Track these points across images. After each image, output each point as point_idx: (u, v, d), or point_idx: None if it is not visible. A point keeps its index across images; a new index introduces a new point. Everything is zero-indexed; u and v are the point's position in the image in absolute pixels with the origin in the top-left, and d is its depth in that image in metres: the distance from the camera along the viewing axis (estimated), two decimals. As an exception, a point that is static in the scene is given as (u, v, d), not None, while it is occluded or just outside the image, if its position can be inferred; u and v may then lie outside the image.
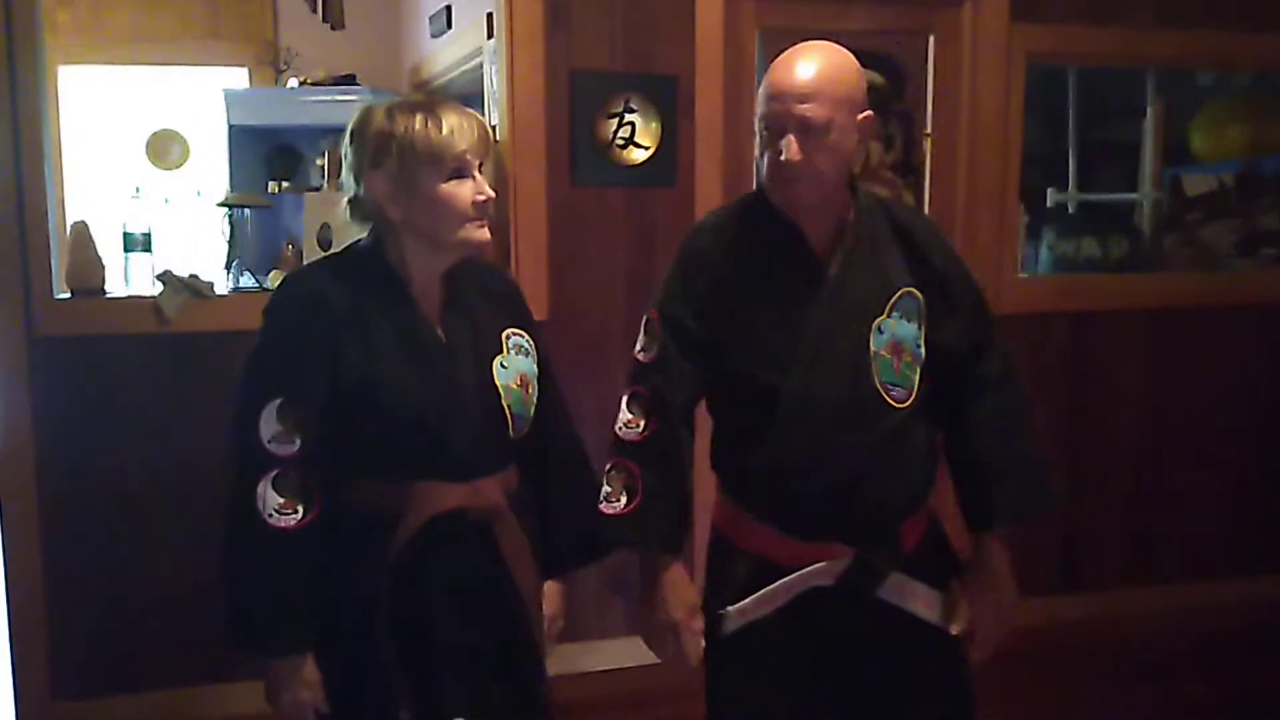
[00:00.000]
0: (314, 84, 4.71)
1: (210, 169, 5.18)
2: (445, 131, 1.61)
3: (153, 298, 3.03)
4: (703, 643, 1.85)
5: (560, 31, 3.23)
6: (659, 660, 1.89)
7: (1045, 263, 4.14)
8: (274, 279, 3.57)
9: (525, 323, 1.83)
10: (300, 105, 4.62)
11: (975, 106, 3.59)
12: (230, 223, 3.84)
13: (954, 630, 1.84)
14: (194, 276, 3.10)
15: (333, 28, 4.50)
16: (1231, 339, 3.93)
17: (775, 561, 1.81)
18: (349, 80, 4.71)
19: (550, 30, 3.22)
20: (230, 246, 3.83)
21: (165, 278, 3.07)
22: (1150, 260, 4.23)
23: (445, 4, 4.22)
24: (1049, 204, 4.46)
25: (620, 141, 3.29)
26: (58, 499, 2.99)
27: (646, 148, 3.31)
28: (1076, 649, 3.55)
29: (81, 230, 3.12)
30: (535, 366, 1.80)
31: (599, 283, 3.34)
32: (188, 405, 3.03)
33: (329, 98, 4.53)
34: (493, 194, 1.68)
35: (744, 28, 3.43)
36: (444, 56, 4.32)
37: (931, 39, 3.59)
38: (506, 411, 1.72)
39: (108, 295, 3.12)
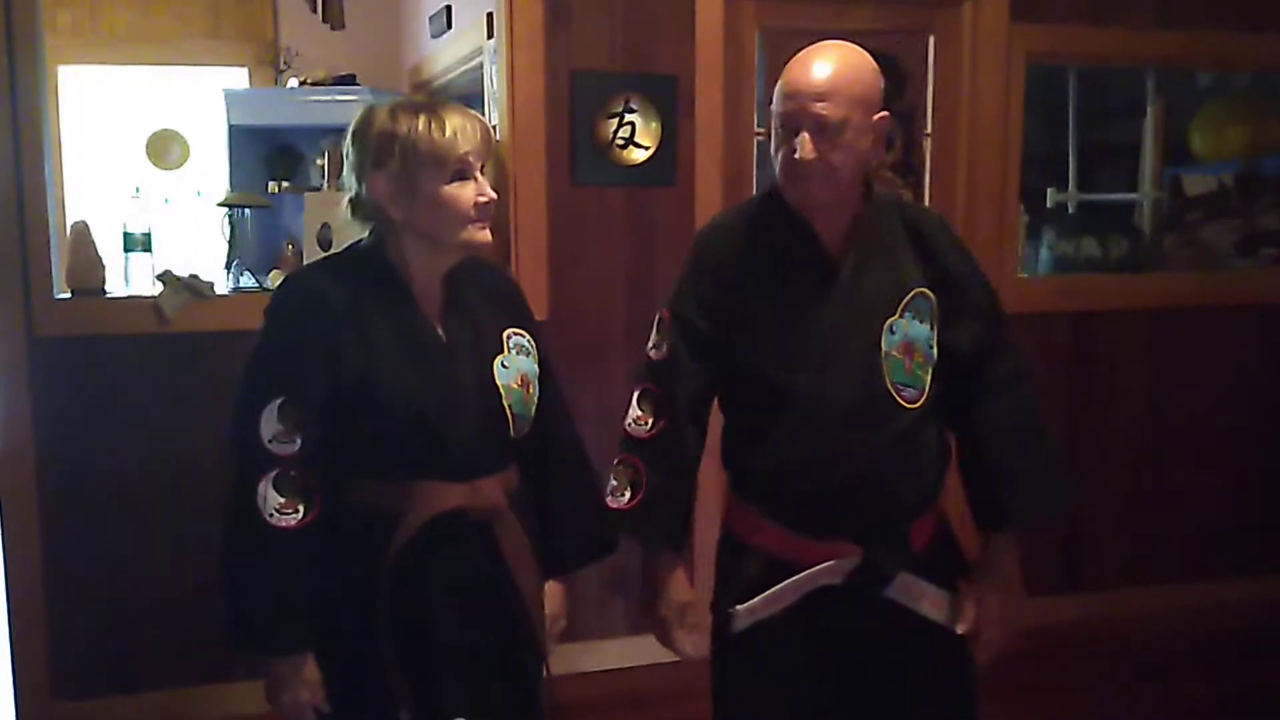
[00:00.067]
0: (314, 84, 4.72)
1: (210, 169, 5.19)
2: (448, 133, 1.61)
3: (153, 298, 3.03)
4: (695, 638, 1.88)
5: (560, 31, 3.23)
6: (664, 655, 1.91)
7: (1045, 263, 4.14)
8: (274, 279, 3.57)
9: (526, 322, 1.83)
10: (300, 105, 4.62)
11: (975, 106, 3.59)
12: (230, 223, 3.84)
13: (960, 629, 1.84)
14: (194, 276, 3.10)
15: (333, 28, 4.50)
16: (1231, 339, 3.93)
17: (784, 559, 1.81)
18: (349, 80, 4.72)
19: (550, 30, 3.22)
20: (230, 246, 3.83)
21: (165, 278, 3.07)
22: (1150, 260, 4.23)
23: (445, 4, 4.23)
24: (1049, 204, 4.46)
25: (620, 141, 3.29)
26: (58, 499, 2.99)
27: (646, 148, 3.31)
28: (1076, 649, 3.55)
29: (82, 230, 3.12)
30: (536, 366, 1.79)
31: (599, 283, 3.34)
32: (188, 405, 3.03)
33: (329, 98, 4.53)
34: (494, 196, 1.68)
35: (744, 28, 3.43)
36: (444, 56, 4.32)
37: (931, 39, 3.59)
38: (507, 411, 1.72)
39: (108, 295, 3.12)
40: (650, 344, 1.90)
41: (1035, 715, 3.11)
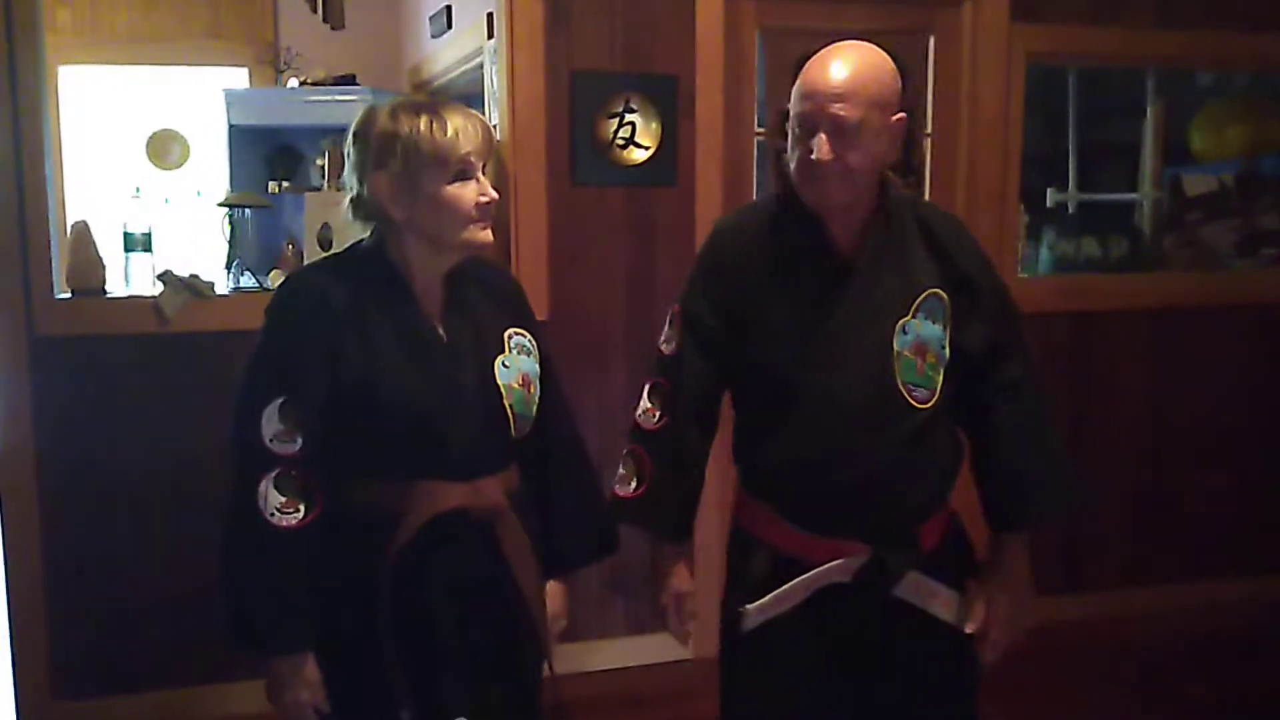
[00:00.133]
0: (314, 84, 4.72)
1: (210, 169, 5.19)
2: (450, 133, 1.61)
3: (153, 298, 3.03)
4: (692, 625, 1.93)
5: (560, 32, 3.23)
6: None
7: (1045, 263, 4.13)
8: (274, 279, 3.57)
9: (527, 322, 1.83)
10: (300, 105, 4.62)
11: (975, 106, 3.59)
12: (230, 223, 3.84)
13: (968, 629, 1.85)
14: (194, 276, 3.10)
15: (333, 28, 4.50)
16: (1231, 339, 3.93)
17: (793, 556, 1.82)
18: (349, 80, 4.72)
19: (550, 30, 3.22)
20: (230, 246, 3.83)
21: (165, 278, 3.07)
22: (1150, 260, 4.23)
23: (445, 4, 4.23)
24: (1049, 204, 4.45)
25: (620, 141, 3.29)
26: (58, 498, 2.99)
27: (647, 148, 3.31)
28: (1076, 649, 3.55)
29: (82, 230, 3.12)
30: (537, 366, 1.80)
31: (599, 283, 3.34)
32: (188, 405, 3.03)
33: (329, 98, 4.53)
34: (496, 196, 1.68)
35: (744, 28, 3.43)
36: (444, 56, 4.32)
37: (931, 39, 3.59)
38: (508, 411, 1.72)
39: (108, 295, 3.12)
40: (663, 338, 1.92)
41: (1035, 715, 3.11)
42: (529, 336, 1.80)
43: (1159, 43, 3.76)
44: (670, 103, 3.31)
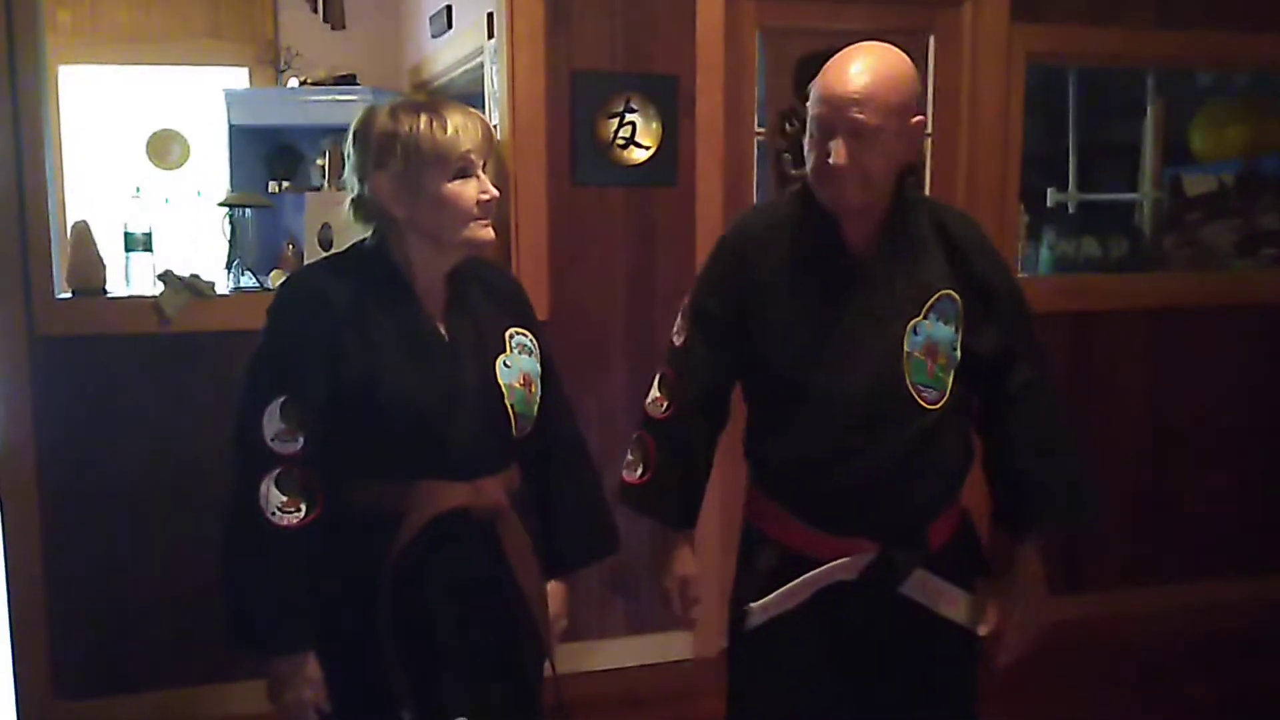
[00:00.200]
0: (314, 84, 4.72)
1: (210, 169, 5.18)
2: (450, 131, 1.62)
3: (153, 297, 3.03)
4: (694, 608, 1.95)
5: (561, 31, 3.23)
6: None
7: (1045, 263, 4.14)
8: (275, 279, 3.57)
9: (528, 322, 1.83)
10: (300, 105, 4.62)
11: (975, 106, 3.60)
12: (231, 223, 3.84)
13: (981, 632, 1.86)
14: (195, 276, 3.10)
15: (333, 28, 4.51)
16: (1231, 339, 3.93)
17: (801, 553, 1.83)
18: (349, 80, 4.72)
19: (551, 30, 3.22)
20: (231, 246, 3.83)
21: (166, 277, 3.08)
22: (1150, 260, 4.23)
23: (446, 4, 4.23)
24: (1049, 204, 4.46)
25: (621, 141, 3.29)
26: (58, 498, 2.99)
27: (647, 147, 3.31)
28: (1076, 649, 3.55)
29: (82, 230, 3.12)
30: (538, 365, 1.80)
31: (599, 282, 3.34)
32: (188, 405, 3.03)
33: (329, 98, 4.53)
34: (497, 193, 1.68)
35: (744, 28, 3.44)
36: (444, 56, 4.32)
37: (931, 39, 3.60)
38: (510, 411, 1.72)
39: (108, 295, 3.12)
40: (675, 329, 1.95)
41: (1035, 715, 3.11)
42: (530, 336, 1.80)
43: (1159, 43, 3.76)
44: (670, 103, 3.32)
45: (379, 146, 1.63)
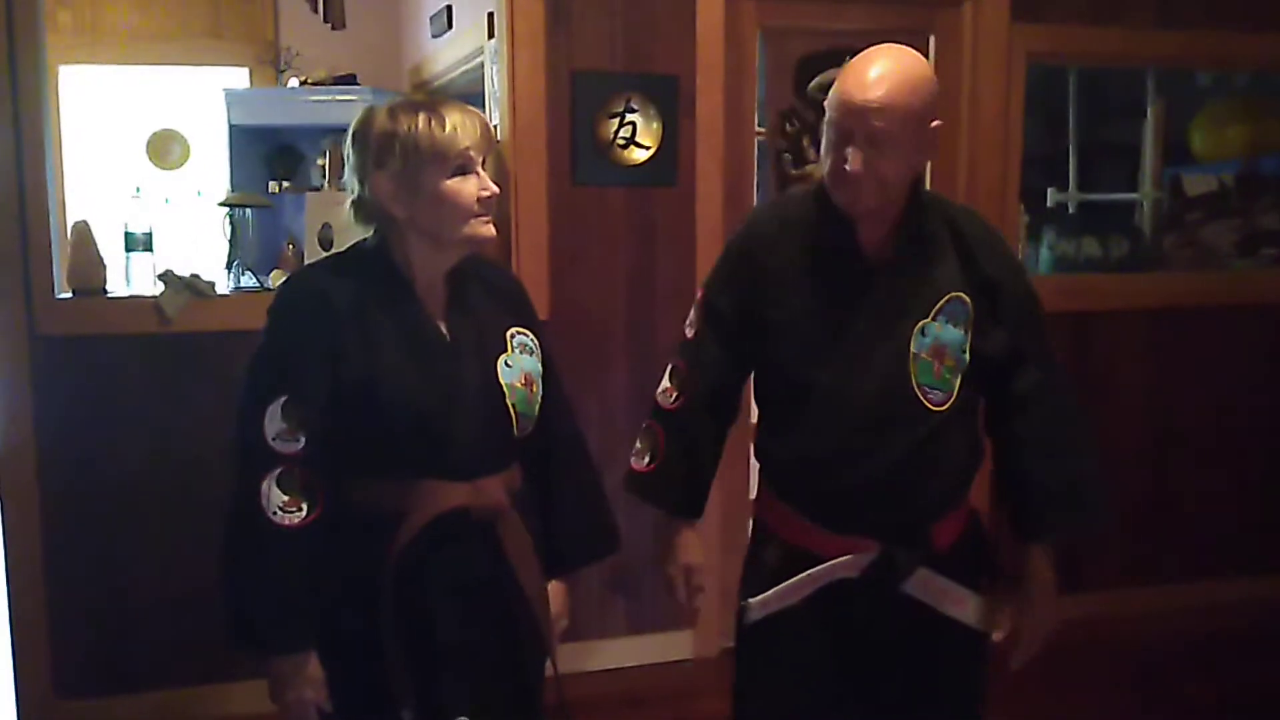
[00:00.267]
0: (314, 84, 4.72)
1: (211, 169, 5.18)
2: (448, 129, 1.62)
3: (154, 297, 3.03)
4: (698, 597, 1.95)
5: (561, 31, 3.23)
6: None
7: (1045, 263, 4.14)
8: (275, 279, 3.57)
9: (529, 321, 1.83)
10: (301, 105, 4.62)
11: (975, 106, 3.60)
12: (231, 222, 3.84)
13: (996, 637, 1.87)
14: (195, 276, 3.10)
15: (333, 27, 4.50)
16: (1231, 339, 3.93)
17: (806, 549, 1.83)
18: (349, 80, 4.72)
19: (551, 30, 3.22)
20: (231, 246, 3.83)
21: (166, 277, 3.08)
22: (1150, 260, 4.23)
23: (446, 4, 4.23)
24: (1049, 204, 4.46)
25: (621, 141, 3.29)
26: (58, 498, 2.99)
27: (647, 147, 3.31)
28: (1076, 649, 3.55)
29: (83, 230, 3.12)
30: (540, 365, 1.80)
31: (600, 282, 3.34)
32: (188, 405, 3.03)
33: (329, 97, 4.54)
34: (497, 190, 1.68)
35: (745, 28, 3.44)
36: (445, 56, 4.32)
37: (931, 39, 3.59)
38: (511, 410, 1.72)
39: (109, 295, 3.12)
40: (687, 322, 1.96)
41: (1035, 715, 3.11)
42: (531, 335, 1.80)
43: (1159, 43, 3.76)
44: (671, 103, 3.32)
45: (378, 146, 1.63)
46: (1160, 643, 3.66)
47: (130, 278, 3.54)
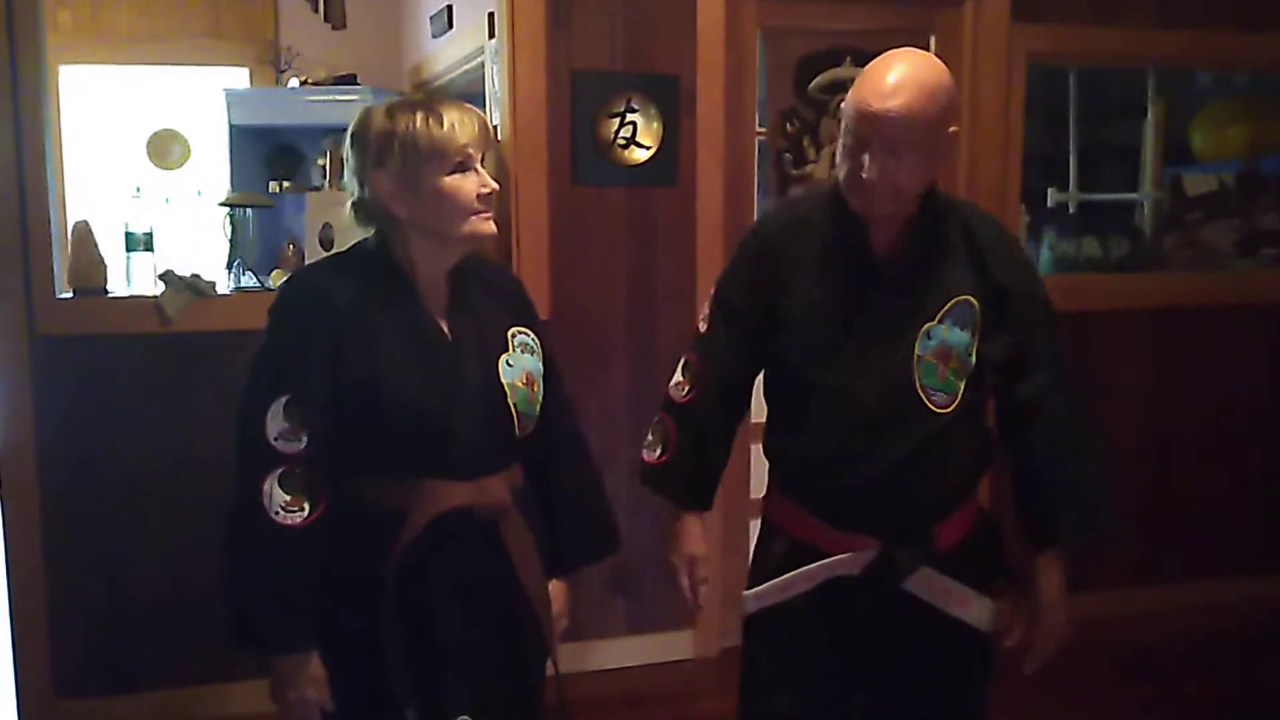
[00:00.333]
0: (315, 84, 4.72)
1: (211, 169, 5.18)
2: (446, 126, 1.62)
3: (154, 297, 3.03)
4: (702, 589, 1.96)
5: (561, 31, 3.23)
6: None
7: (1046, 263, 4.14)
8: (275, 279, 3.57)
9: (531, 321, 1.83)
10: (301, 105, 4.62)
11: (975, 106, 3.59)
12: (232, 222, 3.84)
13: (1008, 643, 1.87)
14: (195, 276, 3.10)
15: (334, 27, 4.51)
16: (1231, 339, 3.93)
17: (809, 545, 1.84)
18: (350, 80, 4.72)
19: (551, 30, 3.22)
20: (232, 246, 3.83)
21: (167, 277, 3.07)
22: (1150, 260, 4.23)
23: (446, 4, 4.23)
24: (1049, 204, 4.46)
25: (622, 141, 3.29)
26: (58, 498, 2.99)
27: (648, 147, 3.31)
28: (1076, 649, 3.53)
29: (83, 230, 3.12)
30: (541, 365, 1.80)
31: (600, 282, 3.34)
32: (189, 405, 3.03)
33: (330, 98, 4.53)
34: (496, 186, 1.68)
35: (745, 27, 3.44)
36: (445, 56, 4.32)
37: (931, 39, 3.59)
38: (512, 410, 1.72)
39: (109, 295, 3.12)
40: (701, 316, 1.97)
41: (1035, 715, 3.11)
42: (532, 335, 1.80)
43: (1159, 43, 3.76)
44: (671, 102, 3.32)
45: (377, 146, 1.64)
46: (1160, 643, 3.66)
47: (131, 278, 3.54)
